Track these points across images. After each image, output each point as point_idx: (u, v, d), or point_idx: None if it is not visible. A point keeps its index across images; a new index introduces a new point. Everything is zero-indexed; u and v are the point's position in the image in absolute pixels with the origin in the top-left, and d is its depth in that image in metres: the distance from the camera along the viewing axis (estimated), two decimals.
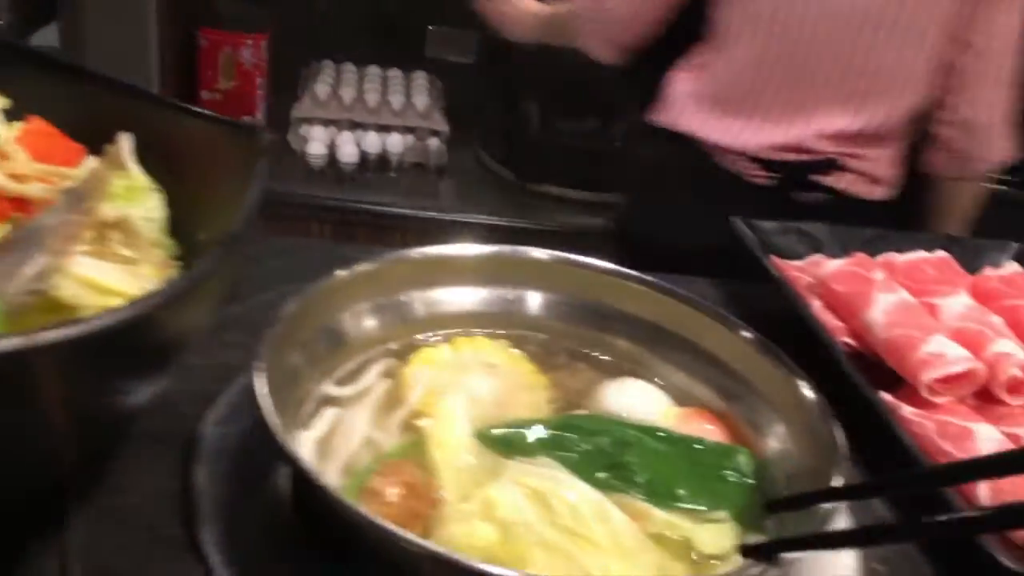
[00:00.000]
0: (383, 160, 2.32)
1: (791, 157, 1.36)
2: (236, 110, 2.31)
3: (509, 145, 2.39)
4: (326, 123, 2.32)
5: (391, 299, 0.79)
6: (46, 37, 2.02)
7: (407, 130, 2.34)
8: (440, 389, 0.76)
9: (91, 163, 0.74)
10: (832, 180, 1.37)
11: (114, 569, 0.61)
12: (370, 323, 0.77)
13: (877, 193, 1.41)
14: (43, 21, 2.00)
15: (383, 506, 0.64)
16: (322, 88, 2.34)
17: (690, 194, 1.44)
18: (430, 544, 0.57)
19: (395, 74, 2.47)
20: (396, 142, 2.32)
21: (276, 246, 0.96)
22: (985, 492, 0.72)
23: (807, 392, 0.70)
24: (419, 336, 0.81)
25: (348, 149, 2.28)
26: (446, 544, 0.63)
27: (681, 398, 0.79)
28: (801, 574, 0.68)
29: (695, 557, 0.65)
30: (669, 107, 1.44)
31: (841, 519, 0.73)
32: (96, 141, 0.74)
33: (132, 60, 2.00)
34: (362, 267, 0.76)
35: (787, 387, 0.72)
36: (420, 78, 2.47)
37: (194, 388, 0.75)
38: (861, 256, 0.94)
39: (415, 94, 2.40)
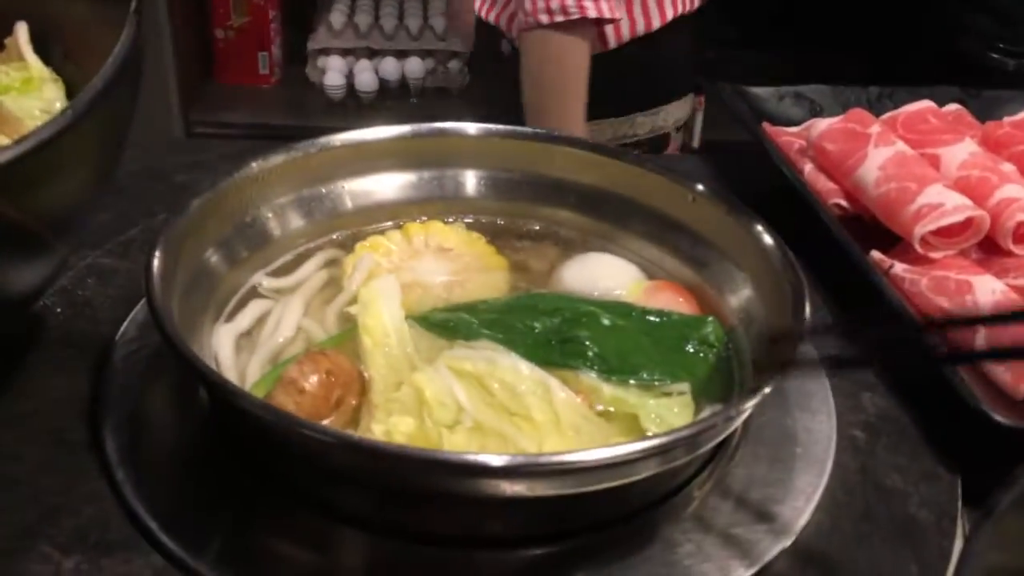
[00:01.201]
0: (403, 87, 2.25)
1: None
2: (252, 46, 2.26)
3: None
4: (343, 53, 2.25)
5: (314, 190, 0.71)
6: None
7: (426, 54, 2.27)
8: (381, 275, 0.71)
9: None
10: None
11: (11, 474, 0.57)
12: (294, 216, 0.71)
13: None
14: None
15: (299, 395, 0.59)
16: (337, 17, 2.27)
17: None
18: (318, 427, 0.52)
19: None
20: (415, 67, 2.25)
21: (229, 150, 0.91)
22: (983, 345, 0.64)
23: (768, 241, 0.63)
24: (366, 227, 0.75)
25: (366, 78, 2.21)
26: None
27: (651, 270, 0.72)
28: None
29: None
30: None
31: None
32: None
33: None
34: (276, 158, 0.69)
35: (750, 241, 0.65)
36: None
37: (116, 293, 0.71)
38: (858, 111, 0.84)
39: (433, 15, 2.32)
